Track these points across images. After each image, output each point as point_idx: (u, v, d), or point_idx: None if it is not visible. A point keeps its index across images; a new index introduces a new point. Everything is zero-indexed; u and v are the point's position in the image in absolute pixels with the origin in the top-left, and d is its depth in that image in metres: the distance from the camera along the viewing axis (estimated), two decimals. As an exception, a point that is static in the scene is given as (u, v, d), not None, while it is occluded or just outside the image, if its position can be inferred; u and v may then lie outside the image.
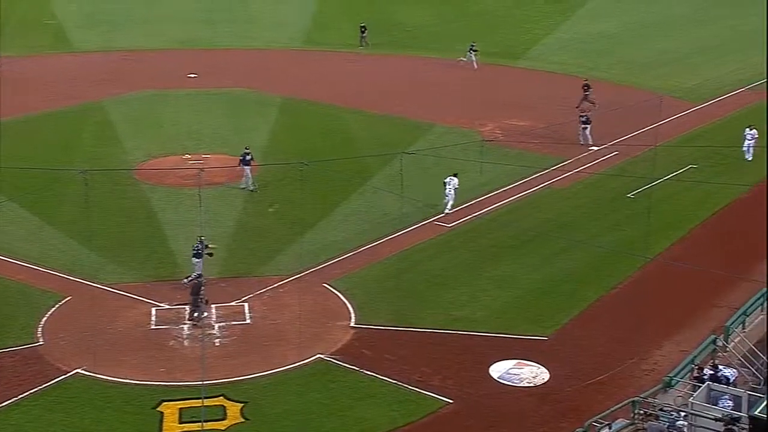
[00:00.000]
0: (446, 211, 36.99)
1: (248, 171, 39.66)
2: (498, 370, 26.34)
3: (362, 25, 68.12)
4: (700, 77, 60.65)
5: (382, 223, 35.91)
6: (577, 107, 49.00)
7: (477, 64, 60.87)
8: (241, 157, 39.84)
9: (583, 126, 45.29)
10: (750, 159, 43.34)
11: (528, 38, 71.18)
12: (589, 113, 45.59)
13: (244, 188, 39.67)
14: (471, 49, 61.36)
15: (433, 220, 36.77)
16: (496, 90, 57.32)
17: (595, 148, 45.46)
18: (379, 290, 30.92)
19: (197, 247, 31.19)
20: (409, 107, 51.75)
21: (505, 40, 66.89)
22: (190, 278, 29.98)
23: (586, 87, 51.15)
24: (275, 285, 31.21)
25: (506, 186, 40.60)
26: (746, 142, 43.40)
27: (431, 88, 57.03)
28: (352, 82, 58.73)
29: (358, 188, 39.15)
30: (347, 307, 29.98)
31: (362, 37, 67.64)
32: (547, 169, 42.20)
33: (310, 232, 34.87)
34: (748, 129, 44.15)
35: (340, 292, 30.96)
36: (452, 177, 37.55)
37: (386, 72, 61.74)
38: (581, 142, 45.35)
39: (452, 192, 37.16)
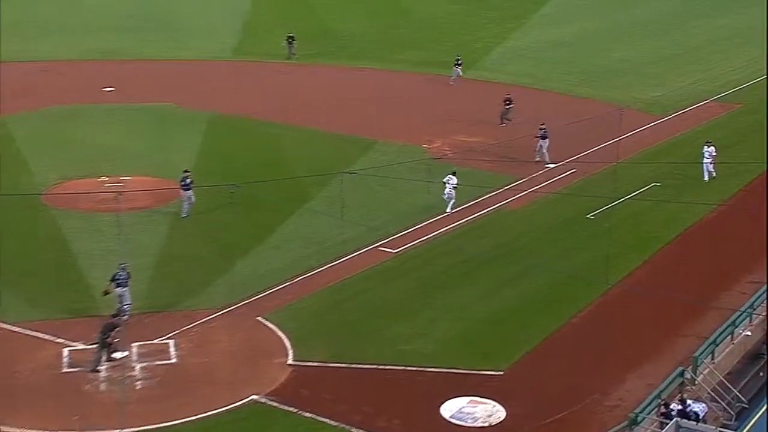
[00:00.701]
0: (447, 210, 38.34)
1: (190, 195, 38.83)
2: (450, 408, 25.95)
3: (290, 35, 68.31)
4: (662, 88, 61.47)
5: (321, 250, 35.70)
6: (501, 124, 49.97)
7: (454, 81, 60.70)
8: (181, 181, 39.08)
9: (539, 141, 45.40)
10: (707, 179, 43.25)
11: (479, 47, 71.79)
12: (544, 127, 45.93)
13: (185, 216, 38.95)
14: (456, 63, 60.96)
15: (378, 246, 36.37)
16: (444, 103, 57.29)
17: (552, 166, 45.67)
18: (319, 323, 30.53)
19: (120, 275, 30.17)
20: (349, 122, 51.70)
21: (455, 50, 66.71)
22: (121, 308, 29.11)
23: (508, 102, 51.28)
24: (204, 320, 30.64)
25: (456, 208, 40.41)
26: (704, 161, 43.29)
27: (373, 101, 57.13)
28: (286, 95, 58.53)
29: (295, 211, 38.74)
30: (283, 343, 29.41)
31: (289, 48, 67.05)
32: (500, 188, 42.23)
33: (242, 261, 34.47)
34: (705, 146, 44.10)
35: (275, 326, 30.44)
36: (451, 176, 38.51)
37: (323, 84, 61.62)
38: (537, 159, 45.38)
39: (453, 192, 38.33)
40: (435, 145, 48.62)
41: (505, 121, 50.44)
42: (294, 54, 67.42)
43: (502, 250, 35.80)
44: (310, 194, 40.06)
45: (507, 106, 51.25)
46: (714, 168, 43.39)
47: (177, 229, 37.93)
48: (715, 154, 43.72)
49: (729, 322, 28.64)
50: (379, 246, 36.20)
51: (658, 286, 31.86)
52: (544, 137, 45.45)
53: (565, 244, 36.96)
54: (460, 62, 61.13)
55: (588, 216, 39.12)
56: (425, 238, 36.89)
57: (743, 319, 29.28)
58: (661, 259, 35.87)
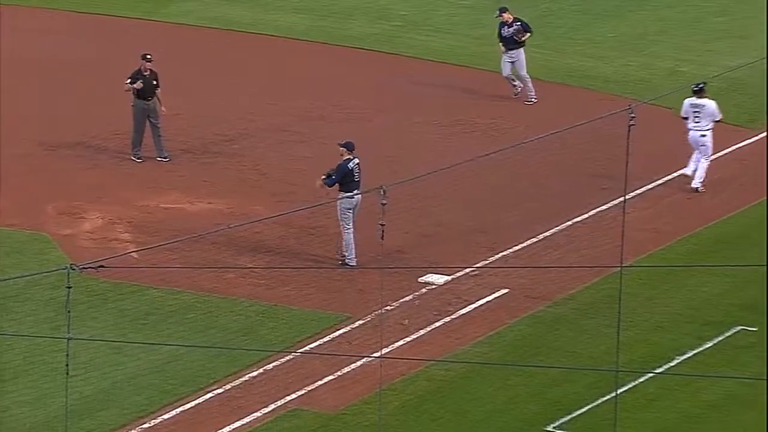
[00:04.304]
0: (696, 184, 31.20)
1: None
2: None
3: None
4: (745, 45, 42.58)
5: None
6: (136, 156, 34.32)
7: (529, 85, 34.72)
8: None
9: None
10: None
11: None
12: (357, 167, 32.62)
13: None
14: (511, 33, 34.67)
15: None
16: (101, 99, 38.58)
17: (440, 281, 28.34)
18: None
19: None
20: None
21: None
22: None
23: (150, 76, 33.86)
24: None
25: (163, 406, 23.11)
26: None
27: None
28: None
29: None
30: None
31: None
32: (289, 349, 24.97)
33: None
34: None
35: None
36: (702, 100, 32.44)
37: None
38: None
39: (707, 134, 31.12)
40: (87, 227, 30.18)
41: (157, 152, 33.33)
42: None
43: None
44: None
45: (144, 103, 32.77)
46: None
47: None
48: None
49: None
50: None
51: None
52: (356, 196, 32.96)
53: None
54: (524, 26, 34.63)
55: (549, 429, 22.25)
56: None
57: None
58: None
